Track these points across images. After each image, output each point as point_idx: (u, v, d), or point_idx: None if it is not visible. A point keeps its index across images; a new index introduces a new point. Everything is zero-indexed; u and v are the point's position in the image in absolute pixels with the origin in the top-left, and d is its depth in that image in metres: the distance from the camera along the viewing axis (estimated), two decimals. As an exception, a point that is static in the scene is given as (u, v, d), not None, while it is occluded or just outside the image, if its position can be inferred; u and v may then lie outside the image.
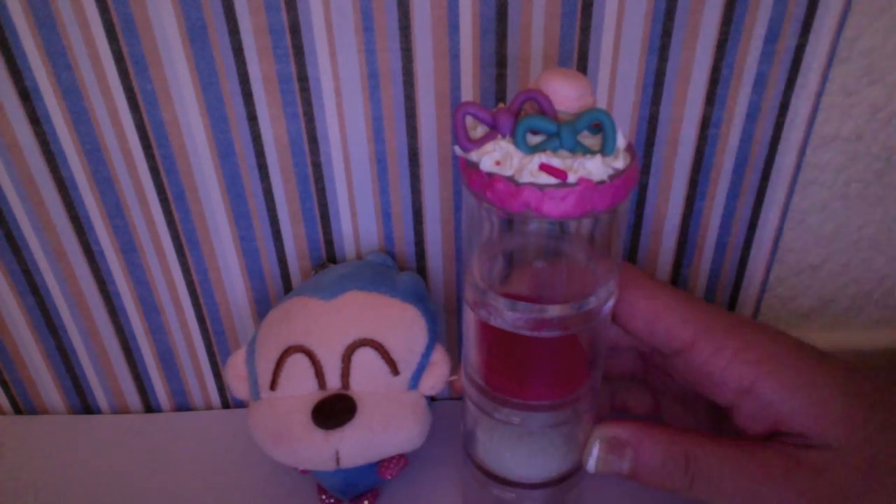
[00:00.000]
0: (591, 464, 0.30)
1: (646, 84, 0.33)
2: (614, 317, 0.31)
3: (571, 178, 0.23)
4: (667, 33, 0.32)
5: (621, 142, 0.25)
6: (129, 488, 0.39)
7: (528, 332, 0.27)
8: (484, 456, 0.32)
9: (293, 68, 0.33)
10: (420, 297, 0.35)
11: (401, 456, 0.35)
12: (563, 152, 0.24)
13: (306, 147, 0.35)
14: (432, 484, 0.38)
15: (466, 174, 0.25)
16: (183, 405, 0.44)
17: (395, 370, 0.33)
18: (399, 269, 0.38)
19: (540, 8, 0.31)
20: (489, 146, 0.25)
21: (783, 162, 0.36)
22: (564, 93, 0.25)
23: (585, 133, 0.25)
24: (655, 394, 0.36)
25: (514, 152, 0.24)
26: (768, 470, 0.27)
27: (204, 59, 0.32)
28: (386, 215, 0.37)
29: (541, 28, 0.32)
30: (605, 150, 0.24)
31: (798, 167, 0.37)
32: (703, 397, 0.30)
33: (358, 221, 0.37)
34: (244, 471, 0.39)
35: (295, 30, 0.32)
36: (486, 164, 0.24)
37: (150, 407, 0.44)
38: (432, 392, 0.34)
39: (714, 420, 0.33)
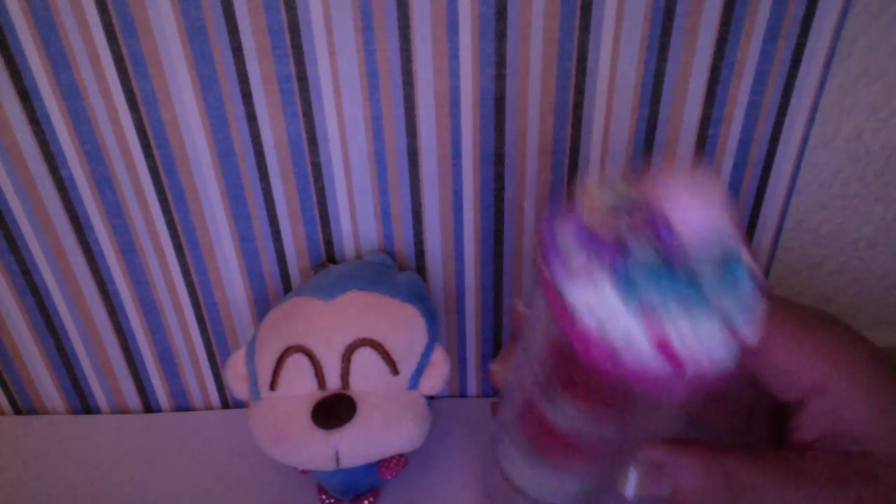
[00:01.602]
0: (630, 490, 0.28)
1: (645, 84, 0.33)
2: None
3: (689, 367, 0.19)
4: (666, 33, 0.32)
5: (755, 300, 0.20)
6: (129, 488, 0.39)
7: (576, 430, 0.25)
8: (509, 469, 0.31)
9: (292, 68, 0.33)
10: (420, 297, 0.35)
11: (401, 456, 0.35)
12: (685, 316, 0.19)
13: (306, 147, 0.35)
14: (432, 484, 0.38)
15: (547, 287, 0.20)
16: (183, 405, 0.44)
17: (395, 370, 0.33)
18: (399, 269, 0.38)
19: (539, 8, 0.31)
20: (591, 295, 0.19)
21: (783, 161, 0.36)
22: (692, 222, 0.19)
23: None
24: None
25: (617, 304, 0.19)
26: (813, 482, 0.27)
27: (203, 59, 0.32)
28: (385, 215, 0.37)
29: (540, 28, 0.32)
30: (735, 307, 0.19)
31: (797, 167, 0.37)
32: (769, 396, 0.30)
33: (357, 221, 0.37)
34: (244, 471, 0.39)
35: (294, 30, 0.32)
36: (578, 303, 0.19)
37: (149, 407, 0.44)
38: (432, 392, 0.34)
39: (744, 418, 0.33)
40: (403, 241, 0.38)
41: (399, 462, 0.35)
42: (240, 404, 0.44)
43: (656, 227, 0.19)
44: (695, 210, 0.19)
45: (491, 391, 0.44)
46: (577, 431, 0.25)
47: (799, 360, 0.27)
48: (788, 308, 0.29)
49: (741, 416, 0.33)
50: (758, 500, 0.27)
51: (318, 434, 0.31)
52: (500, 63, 0.33)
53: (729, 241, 0.20)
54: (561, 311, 0.20)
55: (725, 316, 0.19)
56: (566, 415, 0.24)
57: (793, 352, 0.28)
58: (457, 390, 0.44)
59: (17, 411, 0.44)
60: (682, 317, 0.19)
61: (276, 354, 0.33)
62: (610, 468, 0.29)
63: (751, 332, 0.19)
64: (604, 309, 0.19)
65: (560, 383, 0.24)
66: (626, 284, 0.19)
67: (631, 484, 0.28)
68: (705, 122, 0.35)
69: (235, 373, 0.34)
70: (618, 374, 0.19)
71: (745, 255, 0.19)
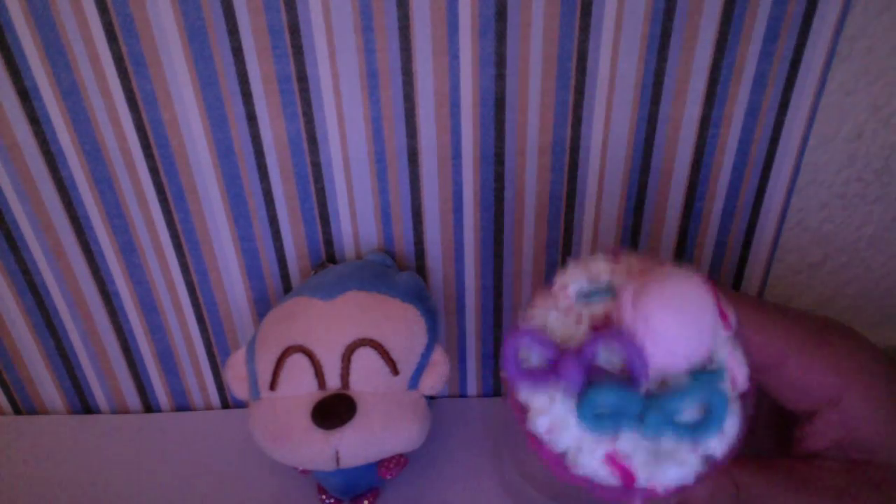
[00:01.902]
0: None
1: (645, 84, 0.33)
2: None
3: (641, 482, 0.18)
4: (666, 33, 0.32)
5: (732, 423, 0.19)
6: (129, 488, 0.39)
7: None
8: (518, 457, 0.30)
9: (292, 68, 0.33)
10: (420, 297, 0.35)
11: (401, 456, 0.35)
12: (642, 438, 0.18)
13: (306, 147, 0.35)
14: (432, 484, 0.38)
15: (513, 403, 0.20)
16: (183, 405, 0.44)
17: (395, 370, 0.33)
18: (399, 269, 0.38)
19: (539, 8, 0.31)
20: (543, 400, 0.19)
21: (783, 161, 0.36)
22: (670, 342, 0.18)
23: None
24: None
25: (574, 426, 0.18)
26: (822, 491, 0.27)
27: (203, 59, 0.32)
28: (385, 215, 0.37)
29: (540, 28, 0.32)
30: (703, 433, 0.18)
31: (797, 166, 0.37)
32: (775, 403, 0.30)
33: (357, 221, 0.37)
34: (244, 471, 0.39)
35: (294, 30, 0.32)
36: (536, 426, 0.19)
37: (149, 407, 0.44)
38: (432, 392, 0.34)
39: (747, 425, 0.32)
40: (403, 241, 0.38)
41: (399, 462, 0.35)
42: (240, 404, 0.44)
43: (623, 341, 0.18)
44: (672, 334, 0.17)
45: (491, 391, 0.44)
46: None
47: (815, 374, 0.27)
48: (803, 321, 0.28)
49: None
50: None
51: (318, 434, 0.31)
52: (500, 63, 0.33)
53: (709, 360, 0.19)
54: (516, 406, 0.20)
55: (691, 438, 0.18)
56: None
57: (809, 367, 0.27)
58: (457, 390, 0.44)
59: (17, 411, 0.44)
60: (638, 439, 0.18)
61: (275, 354, 0.33)
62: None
63: (720, 452, 0.18)
64: (555, 416, 0.19)
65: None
66: (582, 397, 0.18)
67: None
68: (705, 122, 0.35)
69: (235, 373, 0.34)
70: (566, 479, 0.19)
71: (728, 370, 0.18)
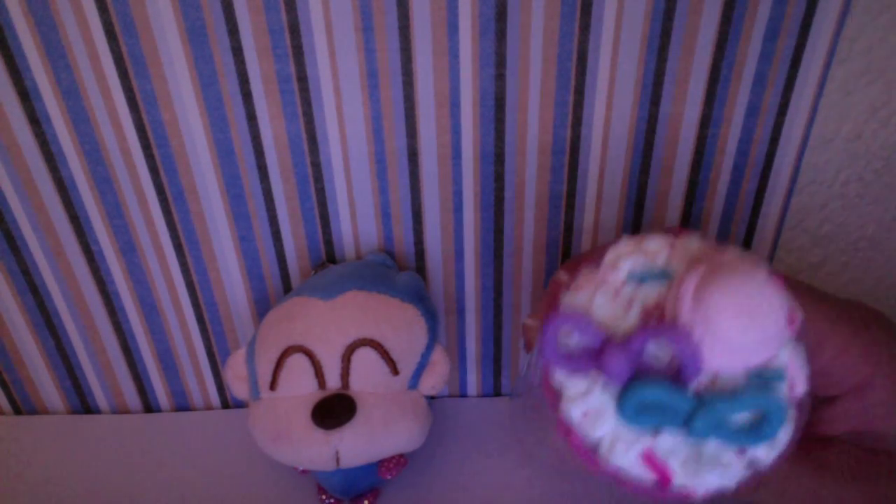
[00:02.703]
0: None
1: (645, 84, 0.33)
2: None
3: (677, 483, 0.17)
4: (666, 33, 0.32)
5: (782, 437, 0.17)
6: (129, 488, 0.39)
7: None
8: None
9: (293, 68, 0.33)
10: (420, 297, 0.35)
11: (401, 456, 0.35)
12: (685, 437, 0.17)
13: (306, 147, 0.35)
14: (432, 484, 0.38)
15: (547, 389, 0.18)
16: (183, 405, 0.44)
17: (395, 370, 0.33)
18: (399, 269, 0.38)
19: (539, 8, 0.31)
20: (581, 385, 0.17)
21: (782, 161, 0.36)
22: (735, 346, 0.16)
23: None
24: None
25: (612, 417, 0.17)
26: (837, 474, 0.26)
27: (203, 59, 0.32)
28: (385, 215, 0.37)
29: (540, 28, 0.32)
30: (753, 440, 0.17)
31: (797, 167, 0.37)
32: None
33: (357, 221, 0.37)
34: (244, 471, 0.39)
35: (294, 30, 0.32)
36: (570, 412, 0.17)
37: (149, 407, 0.44)
38: (432, 392, 0.34)
39: None
40: (403, 241, 0.38)
41: (399, 462, 0.35)
42: (240, 404, 0.44)
43: (679, 340, 0.16)
44: (735, 337, 0.16)
45: (491, 391, 0.44)
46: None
47: (846, 362, 0.27)
48: (841, 305, 0.28)
49: None
50: (781, 488, 0.27)
51: (318, 434, 0.31)
52: (500, 63, 0.33)
53: (776, 363, 0.17)
54: (548, 390, 0.18)
55: (738, 444, 0.17)
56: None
57: (840, 355, 0.27)
58: (457, 390, 0.44)
59: (17, 411, 0.44)
60: (680, 439, 0.17)
61: (276, 354, 0.33)
62: None
63: (768, 460, 0.17)
64: (592, 405, 0.17)
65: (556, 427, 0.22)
66: (625, 390, 0.16)
67: None
68: (705, 121, 0.35)
69: (235, 373, 0.34)
70: (596, 471, 0.17)
71: (788, 374, 0.16)
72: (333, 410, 0.31)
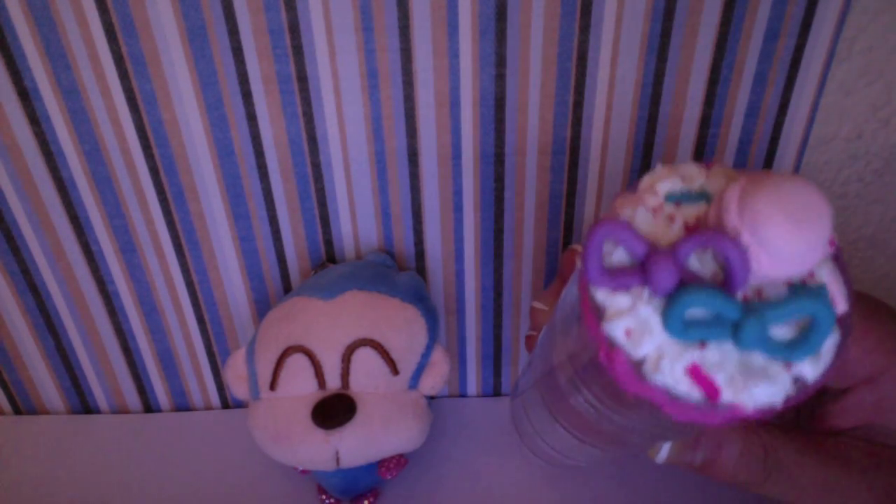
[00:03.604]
0: (663, 454, 0.27)
1: (645, 84, 0.33)
2: None
3: (725, 399, 0.16)
4: (666, 33, 0.32)
5: (832, 341, 0.17)
6: (128, 488, 0.39)
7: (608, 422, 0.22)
8: (533, 417, 0.29)
9: (292, 68, 0.33)
10: (420, 297, 0.35)
11: (401, 456, 0.35)
12: (732, 348, 0.17)
13: (306, 147, 0.35)
14: (432, 484, 0.38)
15: (586, 308, 0.18)
16: (182, 405, 0.44)
17: (395, 370, 0.33)
18: (399, 269, 0.38)
19: (539, 8, 0.31)
20: (624, 301, 0.17)
21: (782, 161, 0.36)
22: (784, 252, 0.16)
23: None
24: None
25: (657, 330, 0.17)
26: (846, 464, 0.26)
27: (203, 59, 0.32)
28: (385, 215, 0.37)
29: (540, 28, 0.32)
30: (799, 353, 0.16)
31: (797, 167, 0.37)
32: None
33: (357, 221, 0.37)
34: (244, 471, 0.39)
35: (294, 30, 0.32)
36: (613, 330, 0.17)
37: (149, 407, 0.44)
38: (432, 392, 0.34)
39: None
40: (403, 241, 0.38)
41: (399, 462, 0.35)
42: (240, 404, 0.44)
43: (726, 242, 0.16)
44: (783, 241, 0.15)
45: (491, 391, 0.44)
46: (595, 419, 0.23)
47: (859, 353, 0.27)
48: (856, 299, 0.28)
49: None
50: (791, 478, 0.26)
51: (318, 434, 0.31)
52: (500, 63, 0.33)
53: (816, 279, 0.17)
54: (589, 311, 0.18)
55: (785, 356, 0.17)
56: (586, 402, 0.22)
57: (854, 346, 0.26)
58: (457, 390, 0.44)
59: (17, 411, 0.44)
60: (728, 350, 0.16)
61: (276, 354, 0.33)
62: (632, 447, 0.28)
63: (813, 376, 0.17)
64: (637, 319, 0.17)
65: (584, 379, 0.22)
66: (672, 299, 0.16)
67: (665, 448, 0.27)
68: (705, 121, 0.35)
69: (235, 373, 0.34)
70: (640, 393, 0.17)
71: (830, 309, 0.16)
72: (333, 410, 0.31)
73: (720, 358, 0.16)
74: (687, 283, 0.17)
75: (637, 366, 0.17)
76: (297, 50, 0.32)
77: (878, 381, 0.27)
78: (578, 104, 0.34)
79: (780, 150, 0.36)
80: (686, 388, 0.16)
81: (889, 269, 0.42)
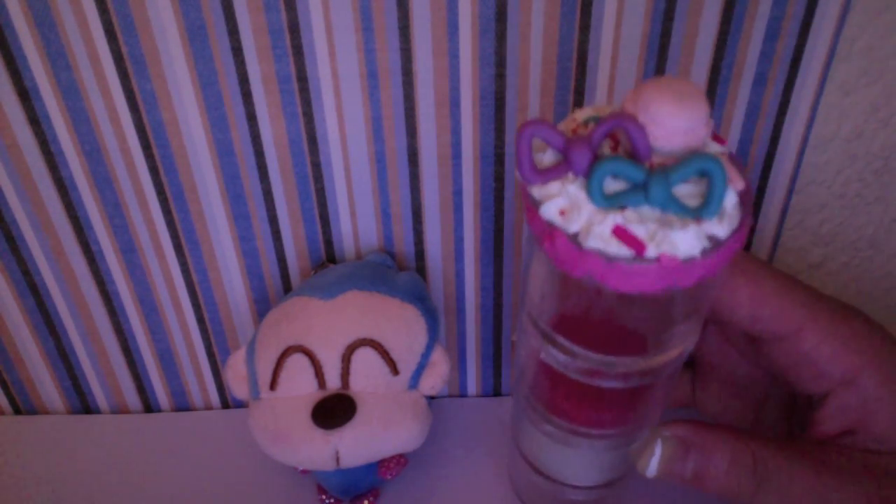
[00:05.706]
0: (653, 466, 0.27)
1: (645, 84, 0.33)
2: (713, 305, 0.28)
3: (651, 253, 0.19)
4: (666, 33, 0.32)
5: (731, 199, 0.20)
6: (128, 488, 0.39)
7: (585, 380, 0.25)
8: (529, 451, 0.31)
9: (292, 68, 0.33)
10: (420, 297, 0.35)
11: (401, 456, 0.35)
12: (649, 210, 0.20)
13: (306, 147, 0.35)
14: (432, 484, 0.38)
15: (527, 210, 0.21)
16: (183, 405, 0.44)
17: (395, 370, 0.33)
18: (399, 269, 0.38)
19: (539, 8, 0.31)
20: (555, 186, 0.21)
21: (782, 161, 0.36)
22: (670, 124, 0.20)
23: (684, 182, 0.20)
24: (696, 384, 0.34)
25: (585, 203, 0.20)
26: (838, 474, 0.26)
27: (203, 59, 0.32)
28: (385, 215, 0.37)
29: (540, 28, 0.32)
30: (705, 211, 0.19)
31: (797, 167, 0.37)
32: (785, 388, 0.29)
33: (357, 221, 0.37)
34: (244, 471, 0.39)
35: (294, 30, 0.32)
36: (548, 212, 0.20)
37: (149, 407, 0.44)
38: (432, 392, 0.34)
39: (753, 409, 0.32)
40: (403, 241, 0.38)
41: (399, 462, 0.35)
42: (240, 404, 0.44)
43: (626, 121, 0.20)
44: (670, 116, 0.19)
45: (491, 391, 0.44)
46: (581, 378, 0.25)
47: (831, 349, 0.27)
48: (821, 298, 0.28)
49: (751, 407, 0.33)
50: (781, 488, 0.26)
51: (318, 434, 0.31)
52: (500, 63, 0.33)
53: (706, 148, 0.21)
54: (529, 207, 0.21)
55: (694, 216, 0.20)
56: (565, 356, 0.25)
57: (825, 341, 0.27)
58: (457, 390, 0.44)
59: (17, 411, 0.44)
60: (644, 210, 0.20)
61: (276, 354, 0.33)
62: (626, 441, 0.28)
63: (723, 233, 0.20)
64: (568, 197, 0.20)
65: (551, 321, 0.25)
66: (590, 174, 0.20)
67: (654, 460, 0.27)
68: (705, 122, 0.35)
69: (235, 373, 0.34)
70: (582, 269, 0.20)
71: (720, 165, 0.19)
72: (333, 410, 0.31)
73: (639, 216, 0.20)
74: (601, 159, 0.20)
75: (573, 238, 0.20)
76: (297, 50, 0.32)
77: (856, 382, 0.27)
78: (578, 104, 0.34)
79: (780, 150, 0.36)
80: (616, 248, 0.19)
81: (889, 269, 0.42)
